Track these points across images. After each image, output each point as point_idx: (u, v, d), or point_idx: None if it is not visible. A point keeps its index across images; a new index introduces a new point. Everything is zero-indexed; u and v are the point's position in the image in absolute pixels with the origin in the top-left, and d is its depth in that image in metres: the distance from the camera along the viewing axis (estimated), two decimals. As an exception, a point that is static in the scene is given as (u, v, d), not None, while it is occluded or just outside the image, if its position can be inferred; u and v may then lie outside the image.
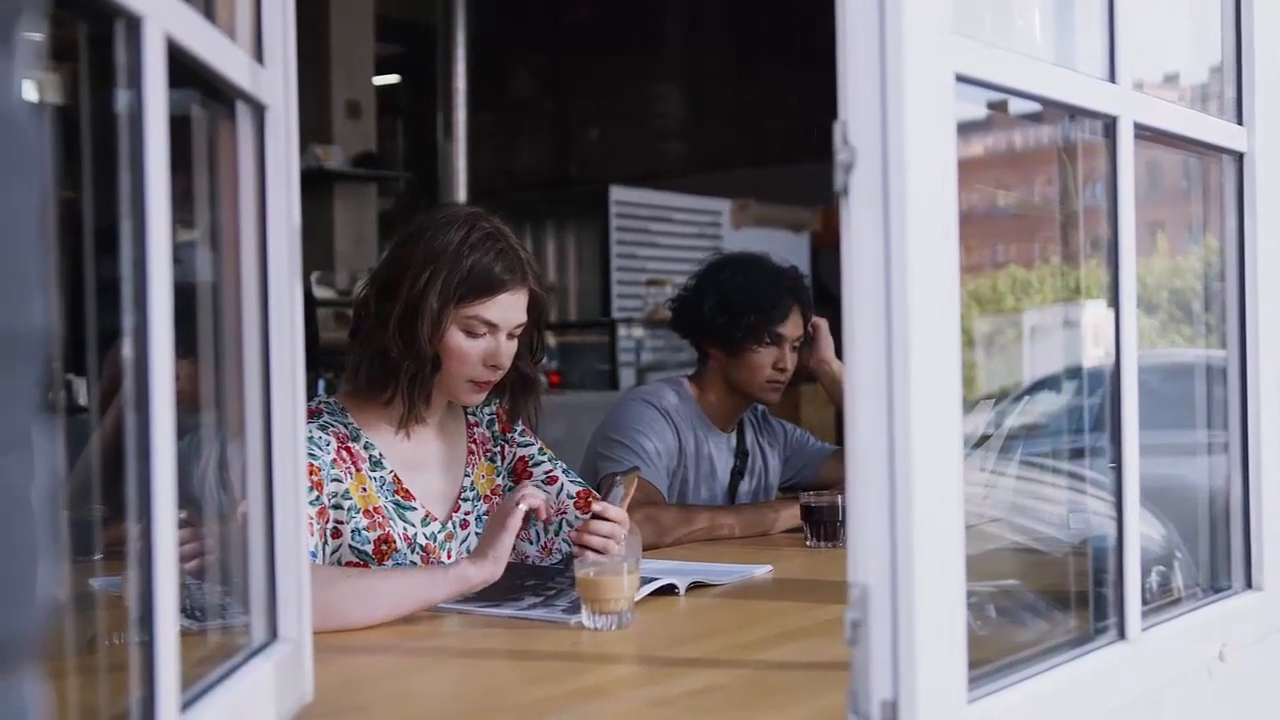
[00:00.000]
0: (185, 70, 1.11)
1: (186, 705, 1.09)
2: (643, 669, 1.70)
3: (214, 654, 1.32)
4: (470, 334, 2.16)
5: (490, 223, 2.21)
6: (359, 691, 1.58)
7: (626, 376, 7.30)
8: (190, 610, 1.31)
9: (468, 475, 2.31)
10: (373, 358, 2.17)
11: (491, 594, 2.02)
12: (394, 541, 2.15)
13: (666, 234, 8.20)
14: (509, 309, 2.18)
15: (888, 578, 1.15)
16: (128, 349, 0.99)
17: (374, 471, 2.18)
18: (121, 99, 1.00)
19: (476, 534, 2.28)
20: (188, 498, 1.13)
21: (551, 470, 2.36)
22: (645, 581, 2.01)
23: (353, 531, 2.12)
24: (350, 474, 2.14)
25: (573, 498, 2.32)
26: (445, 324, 2.14)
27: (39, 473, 0.53)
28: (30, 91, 0.55)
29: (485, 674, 1.67)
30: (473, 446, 2.34)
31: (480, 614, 1.94)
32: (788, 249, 6.50)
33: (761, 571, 2.32)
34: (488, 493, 2.33)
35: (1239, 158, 1.79)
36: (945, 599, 1.18)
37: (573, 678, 1.64)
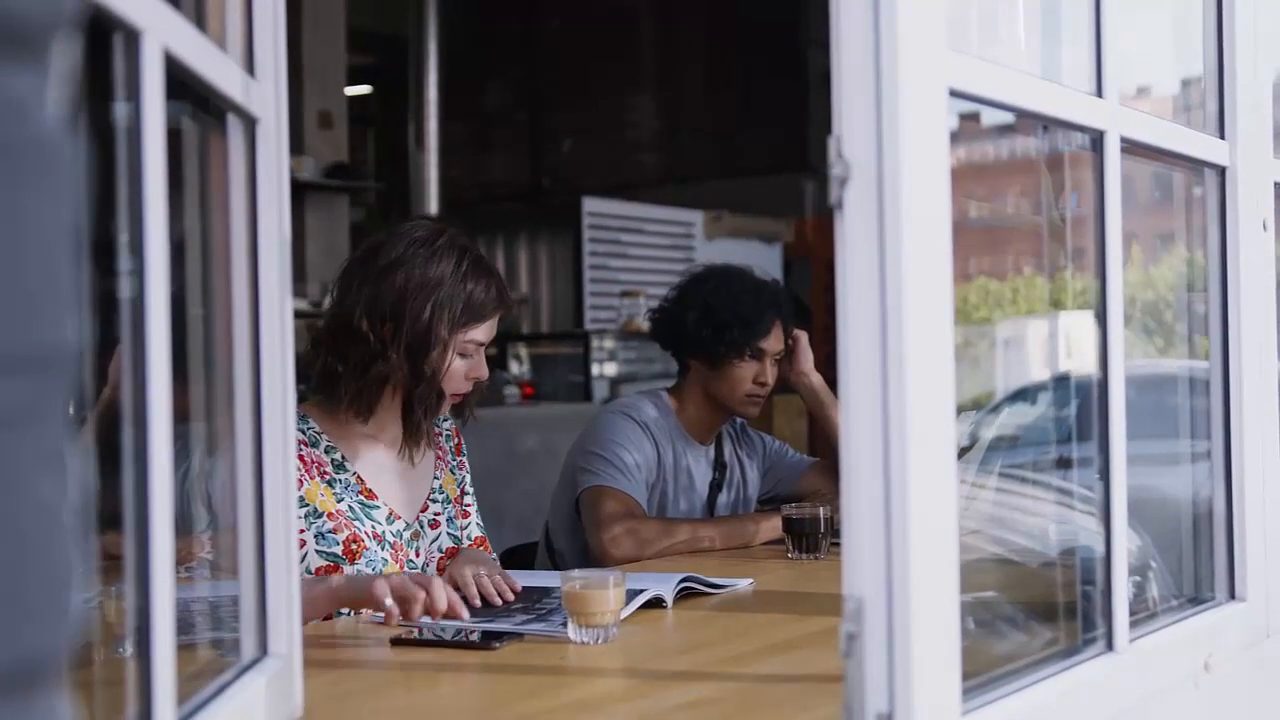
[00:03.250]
0: (176, 81, 1.11)
1: (180, 722, 1.08)
2: (632, 682, 1.70)
3: (204, 670, 1.31)
4: (464, 355, 2.26)
5: (470, 246, 2.31)
6: (348, 707, 1.57)
7: (600, 388, 7.30)
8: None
9: (436, 478, 2.39)
10: (375, 383, 2.22)
11: (483, 612, 2.01)
12: (362, 540, 2.21)
13: (640, 245, 8.20)
14: (494, 327, 2.31)
15: (883, 590, 1.16)
16: (125, 362, 0.99)
17: (338, 474, 2.23)
18: (119, 111, 1.00)
19: (449, 534, 2.37)
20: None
21: (470, 506, 2.48)
22: (633, 595, 2.01)
23: (318, 536, 2.17)
24: (307, 480, 2.19)
25: (471, 540, 2.41)
26: (451, 352, 2.23)
27: (71, 489, 0.53)
28: (63, 107, 0.55)
29: (475, 689, 1.66)
30: (439, 453, 2.42)
31: (474, 628, 1.93)
32: (760, 260, 6.50)
33: (744, 584, 2.32)
34: (454, 497, 2.42)
35: (1221, 171, 1.80)
36: (940, 611, 1.19)
37: (562, 692, 1.64)
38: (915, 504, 1.14)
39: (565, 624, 1.85)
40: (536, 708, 1.55)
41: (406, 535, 2.29)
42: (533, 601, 2.10)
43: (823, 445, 3.39)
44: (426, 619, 1.96)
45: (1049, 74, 1.62)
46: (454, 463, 2.46)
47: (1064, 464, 1.89)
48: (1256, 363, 1.83)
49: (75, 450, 0.55)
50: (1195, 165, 1.81)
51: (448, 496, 2.40)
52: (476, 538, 2.43)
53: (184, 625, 1.42)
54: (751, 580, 2.34)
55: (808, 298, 7.43)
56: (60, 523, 0.51)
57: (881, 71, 1.15)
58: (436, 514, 2.37)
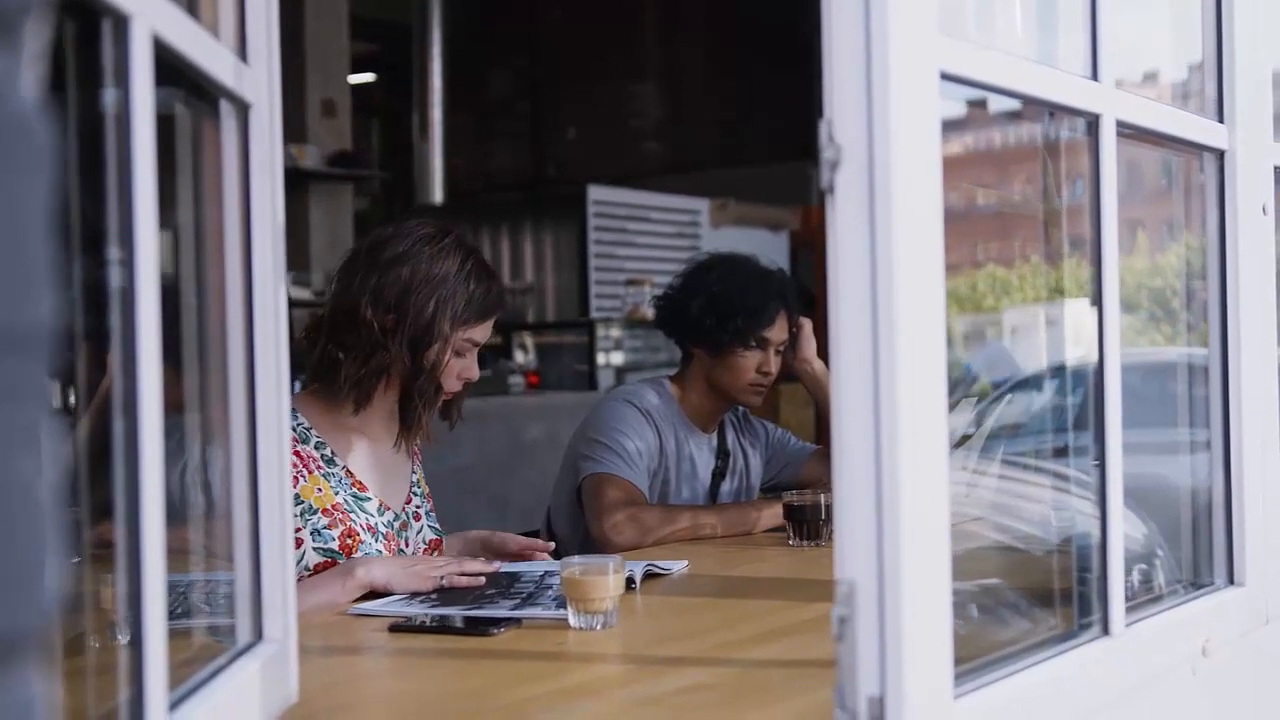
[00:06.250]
0: (168, 68, 1.11)
1: (173, 706, 1.09)
2: (630, 668, 1.70)
3: (199, 654, 1.31)
4: (458, 354, 2.29)
5: (474, 248, 2.34)
6: (344, 692, 1.58)
7: (605, 377, 7.30)
8: (174, 611, 1.31)
9: (414, 473, 2.44)
10: (374, 373, 2.24)
11: (463, 599, 2.01)
12: (358, 534, 2.24)
13: (645, 234, 8.20)
14: (490, 329, 2.34)
15: (875, 574, 1.16)
16: (115, 351, 0.99)
17: (329, 469, 2.26)
18: (107, 97, 1.00)
19: (430, 527, 2.42)
20: (169, 500, 1.12)
21: (429, 507, 2.47)
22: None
23: (313, 533, 2.19)
24: (303, 477, 2.21)
25: (425, 544, 2.41)
26: (450, 348, 2.26)
27: (47, 468, 0.53)
28: (36, 88, 0.55)
29: (471, 674, 1.66)
30: (415, 450, 2.46)
31: (470, 616, 1.92)
32: (766, 249, 6.50)
33: (678, 567, 2.33)
34: (427, 493, 2.47)
35: (1220, 155, 1.80)
36: (932, 595, 1.19)
37: (559, 677, 1.64)
38: (906, 487, 1.15)
39: (560, 606, 1.86)
40: (533, 693, 1.55)
41: (396, 526, 2.33)
42: (506, 587, 2.10)
43: (827, 433, 3.39)
44: (419, 608, 1.96)
45: (1047, 61, 1.61)
46: (422, 461, 2.51)
47: (1068, 451, 1.89)
48: (1256, 348, 1.83)
49: (53, 429, 0.55)
50: (1194, 149, 1.80)
51: (423, 492, 2.45)
52: (431, 540, 2.44)
53: (189, 611, 1.43)
54: (686, 562, 2.35)
55: (814, 286, 7.43)
56: (36, 501, 0.52)
57: (872, 55, 1.14)
58: (417, 507, 2.42)
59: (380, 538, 2.27)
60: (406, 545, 2.34)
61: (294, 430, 2.24)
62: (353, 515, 2.24)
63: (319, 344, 2.26)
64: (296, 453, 2.21)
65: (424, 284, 2.23)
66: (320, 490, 2.22)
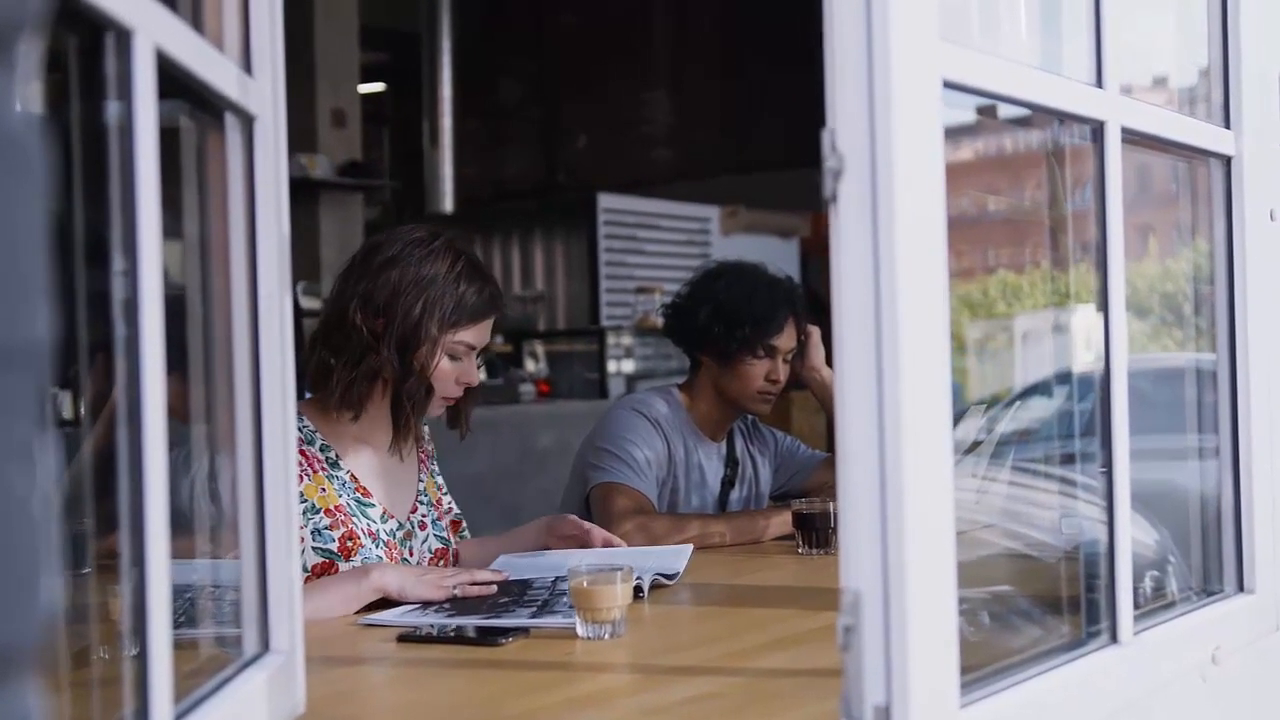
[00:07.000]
0: (173, 80, 1.11)
1: (179, 717, 1.09)
2: (637, 677, 1.70)
3: (206, 665, 1.31)
4: (452, 357, 2.29)
5: (467, 250, 2.34)
6: (351, 703, 1.58)
7: (616, 385, 7.29)
8: (179, 619, 1.31)
9: (421, 481, 2.43)
10: (365, 377, 2.24)
11: (477, 609, 2.00)
12: (358, 537, 2.24)
13: (655, 241, 8.19)
14: (487, 332, 2.33)
15: (880, 583, 1.15)
16: (119, 362, 0.99)
17: (333, 472, 2.27)
18: (111, 110, 1.00)
19: (435, 535, 2.41)
20: (177, 511, 1.13)
21: (435, 516, 2.46)
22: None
23: (314, 533, 2.20)
24: (307, 475, 2.22)
25: (431, 553, 2.41)
26: (440, 350, 2.25)
27: (41, 482, 0.53)
28: (31, 105, 0.55)
29: (479, 684, 1.66)
30: (423, 457, 2.47)
31: (482, 625, 1.92)
32: (777, 255, 6.50)
33: (685, 554, 2.35)
34: (435, 500, 2.46)
35: (1227, 161, 1.79)
36: (937, 603, 1.18)
37: (567, 687, 1.64)
38: (910, 496, 1.14)
39: (569, 613, 1.85)
40: (541, 703, 1.55)
41: (399, 535, 2.33)
42: (519, 595, 2.09)
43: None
44: (432, 618, 1.96)
45: (1053, 67, 1.61)
46: (433, 467, 2.51)
47: (1078, 458, 1.88)
48: (1264, 354, 1.82)
49: (49, 444, 0.55)
50: (1200, 155, 1.80)
51: (430, 500, 2.45)
52: (453, 522, 2.48)
53: (195, 617, 1.43)
54: (690, 547, 2.38)
55: (825, 293, 7.41)
56: (29, 515, 0.52)
57: (874, 63, 1.15)
58: (423, 516, 2.41)
59: (381, 544, 2.26)
60: (411, 554, 2.34)
61: (300, 432, 2.24)
62: (354, 519, 2.24)
63: (316, 352, 2.27)
64: (302, 452, 2.22)
65: (412, 286, 2.23)
66: (324, 490, 2.23)
